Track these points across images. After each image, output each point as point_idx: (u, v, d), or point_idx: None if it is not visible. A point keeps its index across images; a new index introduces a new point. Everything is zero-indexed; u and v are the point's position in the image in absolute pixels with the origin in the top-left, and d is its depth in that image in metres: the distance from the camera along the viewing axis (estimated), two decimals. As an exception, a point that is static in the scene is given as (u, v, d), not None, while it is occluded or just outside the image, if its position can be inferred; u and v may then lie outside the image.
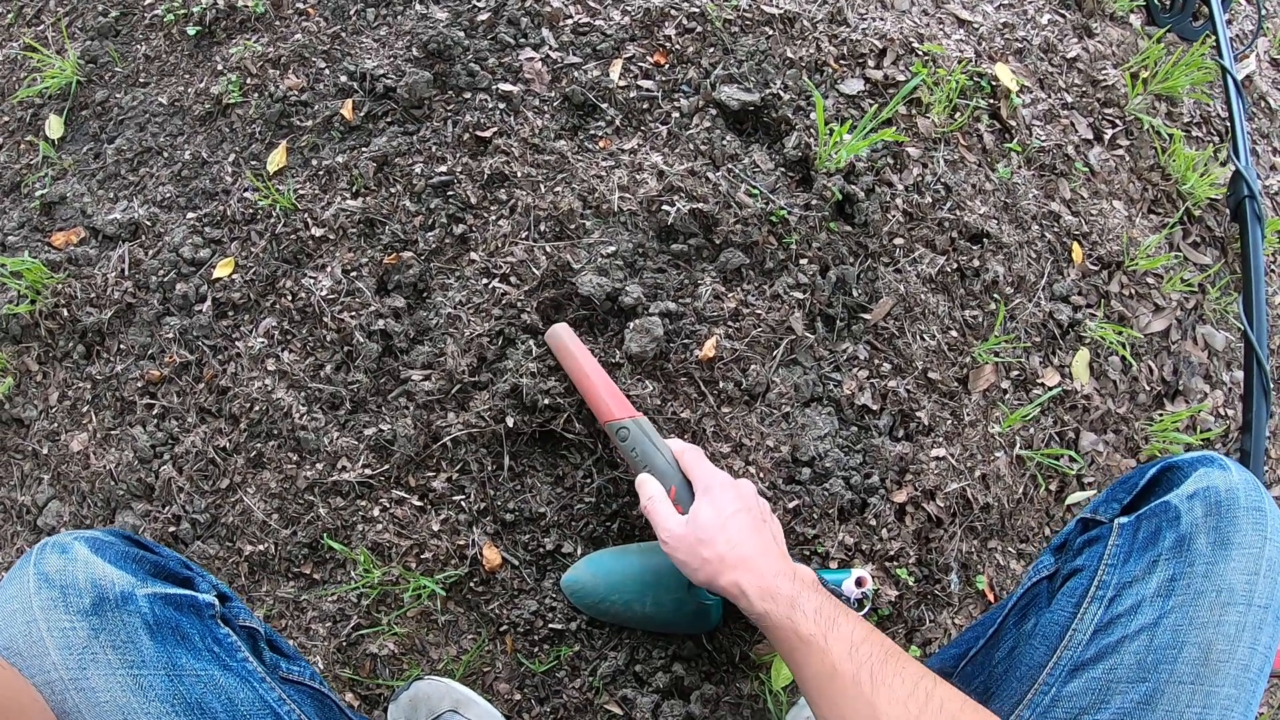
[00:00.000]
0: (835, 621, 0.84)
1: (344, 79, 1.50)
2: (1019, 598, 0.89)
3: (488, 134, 1.43)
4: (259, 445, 1.35)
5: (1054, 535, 1.37)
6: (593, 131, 1.45)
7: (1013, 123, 1.54)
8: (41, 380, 1.47)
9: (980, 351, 1.39)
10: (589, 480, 1.29)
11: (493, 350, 1.32)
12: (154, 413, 1.40)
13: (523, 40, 1.50)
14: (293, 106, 1.51)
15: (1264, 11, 1.83)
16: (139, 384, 1.41)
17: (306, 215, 1.43)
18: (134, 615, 0.73)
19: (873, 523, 1.28)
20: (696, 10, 1.51)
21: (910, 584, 1.29)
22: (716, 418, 1.30)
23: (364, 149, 1.46)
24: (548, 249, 1.36)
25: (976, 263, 1.43)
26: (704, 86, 1.47)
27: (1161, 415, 1.47)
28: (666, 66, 1.49)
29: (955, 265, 1.42)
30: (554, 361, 1.29)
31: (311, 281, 1.40)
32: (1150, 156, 1.62)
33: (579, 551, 1.27)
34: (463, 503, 1.29)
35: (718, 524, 0.99)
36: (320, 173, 1.46)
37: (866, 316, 1.36)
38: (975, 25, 1.63)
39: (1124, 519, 0.80)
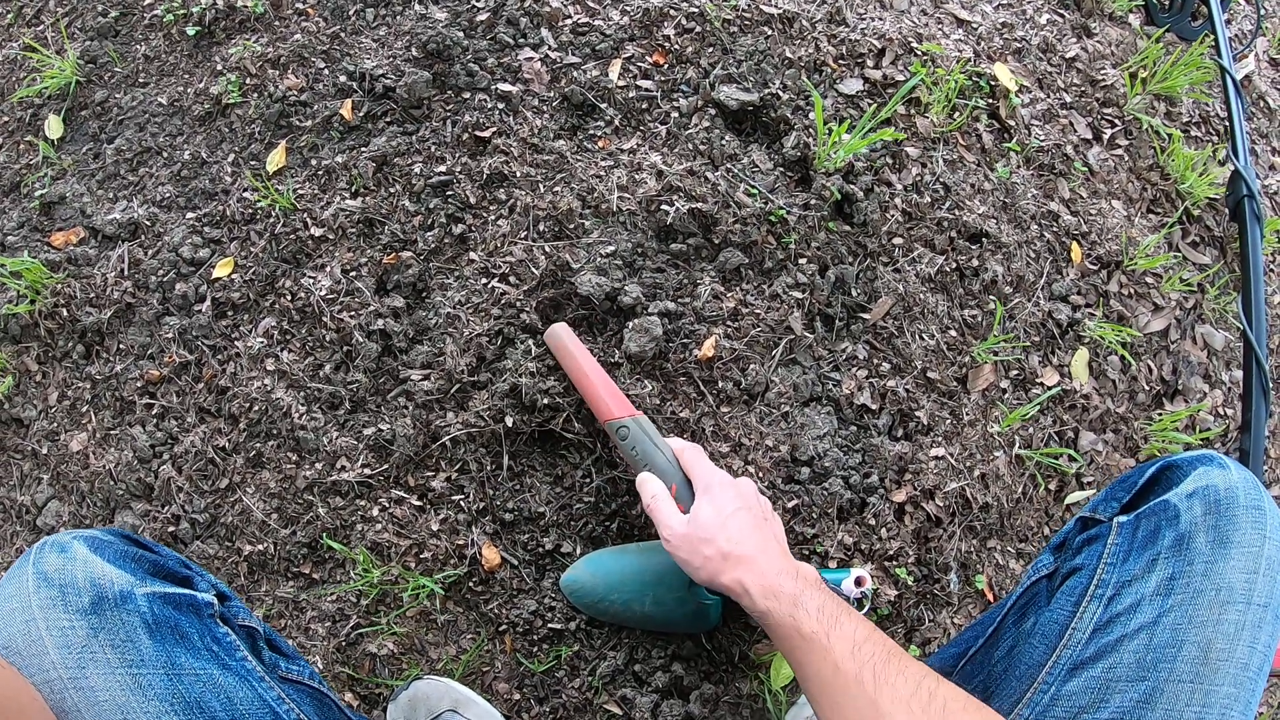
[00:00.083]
0: (838, 620, 0.84)
1: (343, 79, 1.50)
2: (1018, 597, 0.89)
3: (487, 134, 1.43)
4: (258, 445, 1.35)
5: (1053, 534, 1.37)
6: (592, 131, 1.45)
7: (1012, 122, 1.54)
8: (41, 380, 1.47)
9: (979, 351, 1.39)
10: (588, 480, 1.29)
11: (492, 350, 1.32)
12: (153, 412, 1.40)
13: (522, 40, 1.50)
14: (292, 106, 1.51)
15: (1263, 11, 1.83)
16: (138, 384, 1.41)
17: (306, 215, 1.43)
18: (133, 614, 0.73)
19: (872, 522, 1.28)
20: (695, 10, 1.51)
21: (909, 583, 1.29)
22: (716, 417, 1.30)
23: (363, 149, 1.46)
24: (547, 249, 1.36)
25: (975, 262, 1.43)
26: (703, 86, 1.47)
27: (1161, 415, 1.47)
28: (665, 66, 1.49)
29: (954, 265, 1.42)
30: (553, 361, 1.29)
31: (311, 281, 1.40)
32: (1149, 156, 1.62)
33: (578, 551, 1.27)
34: (462, 502, 1.29)
35: (719, 522, 0.99)
36: (319, 173, 1.46)
37: (865, 316, 1.36)
38: (974, 25, 1.63)
39: (1123, 518, 0.80)
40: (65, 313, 1.46)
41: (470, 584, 1.27)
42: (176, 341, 1.41)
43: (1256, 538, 0.73)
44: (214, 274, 1.44)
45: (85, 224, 1.53)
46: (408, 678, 1.24)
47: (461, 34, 1.50)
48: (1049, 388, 1.41)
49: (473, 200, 1.40)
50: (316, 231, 1.42)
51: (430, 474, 1.30)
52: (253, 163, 1.50)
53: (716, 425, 1.30)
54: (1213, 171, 1.62)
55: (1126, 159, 1.61)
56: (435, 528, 1.28)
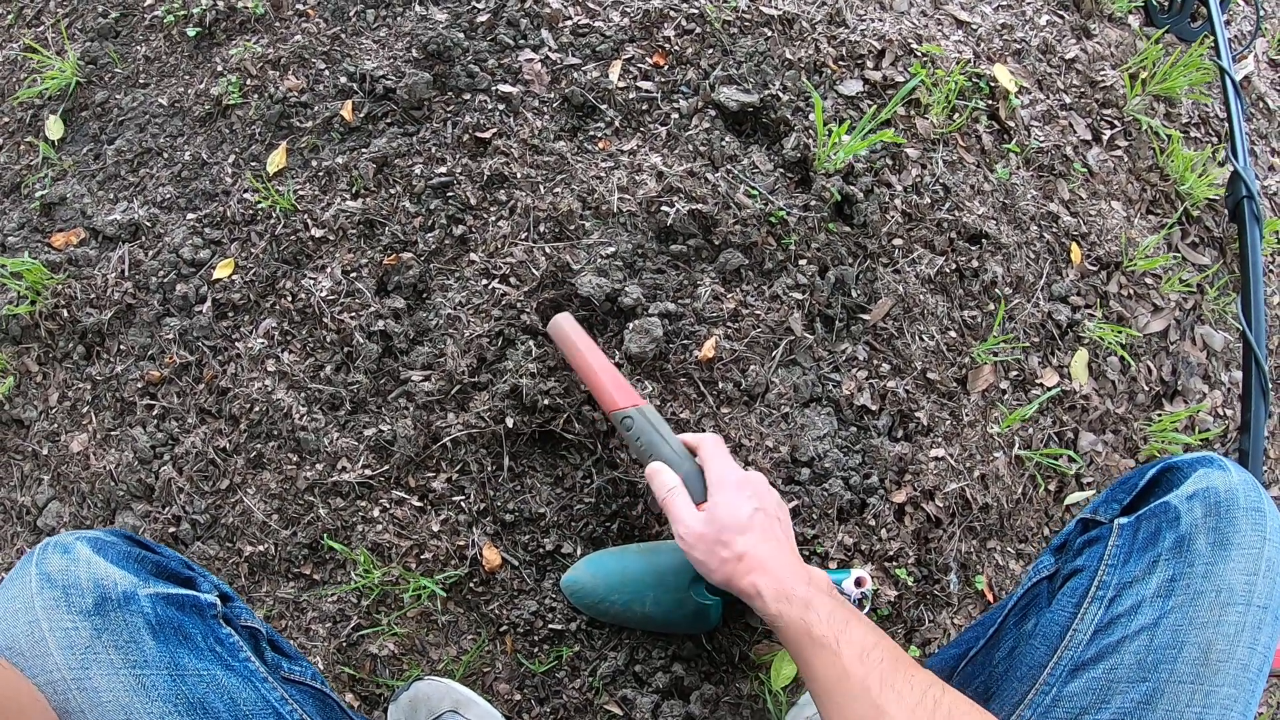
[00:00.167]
0: (848, 625, 0.84)
1: (344, 80, 1.50)
2: (1019, 598, 0.89)
3: (487, 135, 1.43)
4: (259, 446, 1.35)
5: (1053, 535, 1.37)
6: (592, 132, 1.45)
7: (1011, 123, 1.55)
8: (41, 381, 1.48)
9: (979, 352, 1.39)
10: (589, 481, 1.29)
11: (492, 351, 1.32)
12: (154, 413, 1.41)
13: (522, 41, 1.50)
14: (292, 108, 1.51)
15: (1262, 12, 1.83)
16: (139, 385, 1.41)
17: (306, 216, 1.43)
18: (136, 615, 0.74)
19: (872, 523, 1.29)
20: (695, 11, 1.51)
21: (909, 584, 1.29)
22: (716, 418, 1.30)
23: (364, 150, 1.46)
24: (547, 250, 1.36)
25: (975, 263, 1.43)
26: (703, 87, 1.47)
27: (1160, 415, 1.47)
28: (666, 68, 1.49)
29: (954, 266, 1.43)
30: (554, 362, 1.29)
31: (311, 282, 1.40)
32: (1149, 157, 1.62)
33: (579, 552, 1.27)
34: (462, 503, 1.29)
35: (737, 525, 0.99)
36: (320, 174, 1.46)
37: (865, 317, 1.37)
38: (974, 26, 1.64)
39: (1124, 519, 0.81)
40: (66, 313, 1.46)
41: (471, 585, 1.27)
42: (177, 342, 1.41)
43: (1256, 540, 0.73)
44: (214, 275, 1.44)
45: (86, 225, 1.53)
46: (408, 678, 1.25)
47: (462, 35, 1.50)
48: (1049, 388, 1.41)
49: (473, 201, 1.40)
50: (317, 232, 1.42)
51: (431, 475, 1.31)
52: (253, 164, 1.50)
53: (717, 426, 1.30)
54: (1212, 172, 1.62)
55: (1126, 160, 1.62)
56: (436, 528, 1.28)
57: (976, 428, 1.37)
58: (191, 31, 1.62)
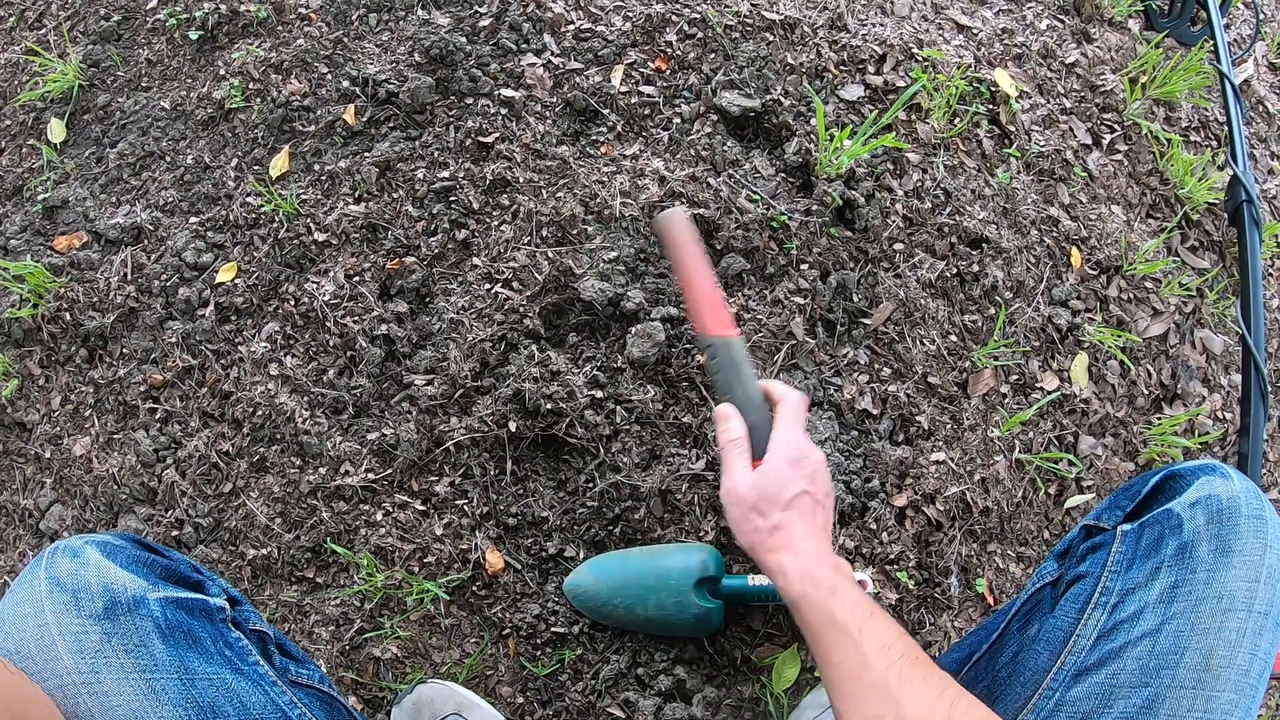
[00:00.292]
0: (871, 617, 0.84)
1: (346, 84, 1.51)
2: (1023, 603, 0.90)
3: (490, 139, 1.44)
4: (262, 449, 1.35)
5: (1053, 539, 1.38)
6: (594, 137, 1.46)
7: (1012, 128, 1.55)
8: (44, 384, 1.48)
9: (980, 356, 1.39)
10: (591, 484, 1.29)
11: (495, 355, 1.33)
12: (156, 417, 1.41)
13: (524, 46, 1.51)
14: (295, 111, 1.51)
15: (1261, 16, 1.84)
16: (141, 388, 1.42)
17: (309, 220, 1.44)
18: (146, 619, 0.74)
19: (873, 526, 1.29)
20: (698, 16, 1.51)
21: (910, 587, 1.29)
22: (718, 422, 1.31)
23: (366, 154, 1.46)
24: (550, 254, 1.36)
25: (976, 267, 1.43)
26: (705, 92, 1.47)
27: (1160, 419, 1.48)
28: (668, 72, 1.49)
29: (955, 270, 1.43)
30: (556, 366, 1.29)
31: (314, 286, 1.40)
32: (1149, 161, 1.63)
33: (581, 555, 1.28)
34: (465, 507, 1.30)
35: (779, 499, 0.97)
36: (323, 178, 1.47)
37: (867, 321, 1.37)
38: (974, 31, 1.64)
39: (1127, 526, 0.81)
40: (68, 317, 1.47)
41: (474, 588, 1.28)
42: (180, 346, 1.42)
43: (1258, 546, 0.74)
44: (217, 279, 1.44)
45: (88, 228, 1.54)
46: (412, 681, 1.25)
47: (464, 39, 1.50)
48: (1049, 392, 1.42)
49: (476, 206, 1.40)
50: (320, 236, 1.42)
51: (434, 479, 1.31)
52: (256, 167, 1.51)
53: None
54: (1212, 176, 1.62)
55: (1126, 164, 1.62)
56: (439, 532, 1.28)
57: (977, 431, 1.37)
58: (194, 35, 1.63)
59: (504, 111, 1.46)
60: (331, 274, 1.41)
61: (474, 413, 1.31)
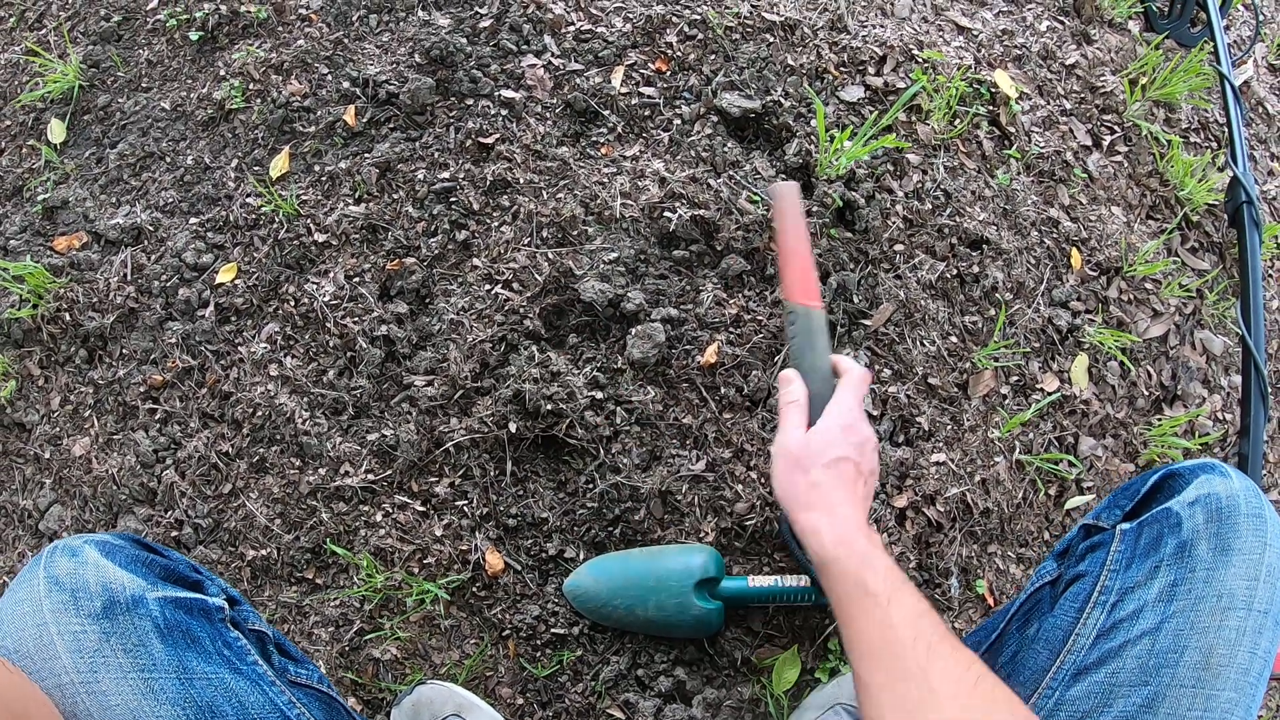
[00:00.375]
0: (901, 588, 0.83)
1: (346, 85, 1.51)
2: (1022, 603, 0.89)
3: (490, 140, 1.44)
4: (261, 450, 1.35)
5: (1053, 540, 1.38)
6: (595, 138, 1.46)
7: (1012, 129, 1.55)
8: (44, 385, 1.48)
9: (980, 357, 1.39)
10: (591, 485, 1.29)
11: (495, 356, 1.33)
12: (156, 417, 1.41)
13: (525, 47, 1.51)
14: (295, 112, 1.51)
15: (1261, 17, 1.84)
16: (141, 389, 1.42)
17: (309, 221, 1.44)
18: (145, 618, 0.74)
19: (873, 527, 1.29)
20: (698, 18, 1.51)
21: (911, 588, 1.29)
22: (718, 423, 1.31)
23: (366, 155, 1.46)
24: (550, 255, 1.36)
25: (976, 269, 1.43)
26: (705, 93, 1.47)
27: (1160, 420, 1.48)
28: (668, 73, 1.49)
29: (955, 271, 1.43)
30: (556, 367, 1.29)
31: (314, 287, 1.40)
32: (1149, 162, 1.63)
33: (581, 556, 1.28)
34: (465, 508, 1.29)
35: (823, 457, 0.97)
36: (323, 178, 1.47)
37: (867, 322, 1.37)
38: (974, 32, 1.64)
39: (1126, 525, 0.81)
40: (68, 317, 1.47)
41: (474, 589, 1.28)
42: (179, 346, 1.42)
43: (1257, 545, 0.74)
44: (217, 279, 1.44)
45: (88, 228, 1.54)
46: (411, 682, 1.25)
47: (465, 40, 1.50)
48: (1049, 393, 1.41)
49: (476, 206, 1.41)
50: (320, 237, 1.42)
51: (434, 479, 1.31)
52: (256, 168, 1.51)
53: (719, 431, 1.30)
54: (1212, 177, 1.62)
55: (1126, 165, 1.62)
56: (439, 533, 1.28)
57: (977, 432, 1.37)
58: (194, 36, 1.63)
59: (504, 112, 1.46)
60: (331, 275, 1.41)
61: (474, 414, 1.31)
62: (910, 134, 1.49)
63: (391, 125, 1.49)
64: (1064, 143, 1.58)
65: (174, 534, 1.35)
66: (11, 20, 1.80)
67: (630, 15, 1.53)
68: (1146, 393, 1.49)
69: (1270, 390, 1.43)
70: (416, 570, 1.28)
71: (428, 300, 1.39)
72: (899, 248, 1.41)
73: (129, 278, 1.48)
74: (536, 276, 1.35)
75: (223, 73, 1.59)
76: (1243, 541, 0.74)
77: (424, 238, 1.40)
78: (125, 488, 1.38)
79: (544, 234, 1.38)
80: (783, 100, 1.46)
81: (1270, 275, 1.68)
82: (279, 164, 1.49)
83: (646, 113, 1.47)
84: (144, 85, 1.64)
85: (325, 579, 1.30)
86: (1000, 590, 1.34)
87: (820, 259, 1.38)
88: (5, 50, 1.78)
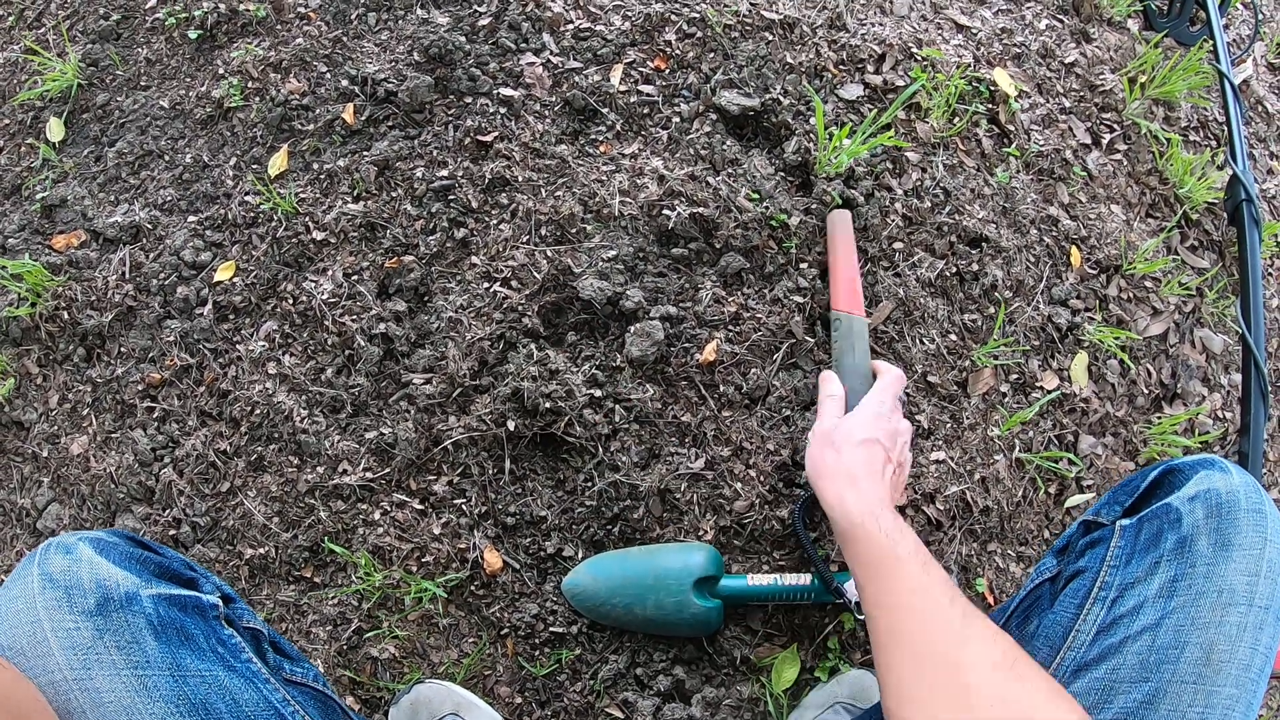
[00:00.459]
0: (931, 562, 0.85)
1: (345, 83, 1.51)
2: (1022, 599, 0.89)
3: (489, 138, 1.44)
4: (260, 448, 1.35)
5: (1053, 538, 1.38)
6: (593, 136, 1.46)
7: (1011, 127, 1.55)
8: (42, 383, 1.47)
9: (979, 355, 1.39)
10: (590, 484, 1.29)
11: (494, 354, 1.33)
12: (154, 416, 1.41)
13: (524, 45, 1.51)
14: (294, 110, 1.51)
15: (1261, 16, 1.84)
16: (139, 387, 1.41)
17: (308, 219, 1.43)
18: (139, 616, 0.74)
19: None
20: (697, 16, 1.51)
21: (910, 587, 1.29)
22: (717, 421, 1.30)
23: (365, 153, 1.46)
24: (549, 253, 1.36)
25: (975, 267, 1.43)
26: (704, 91, 1.47)
27: (1160, 418, 1.47)
28: (667, 71, 1.49)
29: (954, 269, 1.43)
30: (555, 365, 1.29)
31: (313, 285, 1.40)
32: (1148, 161, 1.63)
33: (580, 555, 1.27)
34: (464, 506, 1.29)
35: (853, 438, 1.05)
36: (321, 176, 1.46)
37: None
38: (974, 30, 1.64)
39: (1126, 521, 0.81)
40: (66, 316, 1.46)
41: (472, 588, 1.27)
42: (178, 345, 1.42)
43: (1257, 540, 0.74)
44: (215, 277, 1.44)
45: (86, 227, 1.53)
46: (409, 681, 1.25)
47: (463, 39, 1.50)
48: (1049, 391, 1.41)
49: (474, 204, 1.40)
50: (318, 235, 1.42)
51: (432, 478, 1.31)
52: (254, 166, 1.51)
53: (718, 429, 1.30)
54: (1211, 176, 1.62)
55: (1125, 164, 1.62)
56: (437, 531, 1.28)
57: (977, 431, 1.37)
58: (193, 34, 1.63)
59: (503, 110, 1.46)
60: (330, 273, 1.40)
61: (472, 411, 1.30)
62: (909, 132, 1.49)
63: (390, 123, 1.48)
64: (1063, 141, 1.58)
65: (172, 532, 1.34)
66: (10, 19, 1.80)
67: (629, 13, 1.52)
68: (1146, 391, 1.49)
69: (1270, 388, 1.43)
70: (415, 569, 1.28)
71: (426, 298, 1.38)
72: (898, 245, 1.41)
73: (127, 276, 1.47)
74: (535, 274, 1.35)
75: (221, 71, 1.59)
76: (1243, 537, 0.74)
77: (422, 236, 1.40)
78: (123, 486, 1.37)
79: (543, 232, 1.38)
80: (782, 98, 1.46)
81: (1270, 273, 1.67)
82: (277, 162, 1.49)
83: (645, 111, 1.47)
84: (143, 84, 1.64)
85: (323, 577, 1.30)
86: (1000, 588, 1.34)
87: (819, 257, 1.38)
88: (4, 49, 1.78)
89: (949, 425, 1.36)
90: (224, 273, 1.44)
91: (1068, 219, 1.52)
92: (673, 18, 1.51)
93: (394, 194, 1.43)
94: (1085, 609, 0.78)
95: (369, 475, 1.30)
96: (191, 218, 1.49)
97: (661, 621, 1.20)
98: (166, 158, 1.56)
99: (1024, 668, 0.72)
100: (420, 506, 1.30)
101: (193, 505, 1.35)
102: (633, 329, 1.30)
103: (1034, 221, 1.49)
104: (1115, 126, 1.64)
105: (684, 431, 1.30)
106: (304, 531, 1.30)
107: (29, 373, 1.48)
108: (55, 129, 1.64)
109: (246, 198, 1.48)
